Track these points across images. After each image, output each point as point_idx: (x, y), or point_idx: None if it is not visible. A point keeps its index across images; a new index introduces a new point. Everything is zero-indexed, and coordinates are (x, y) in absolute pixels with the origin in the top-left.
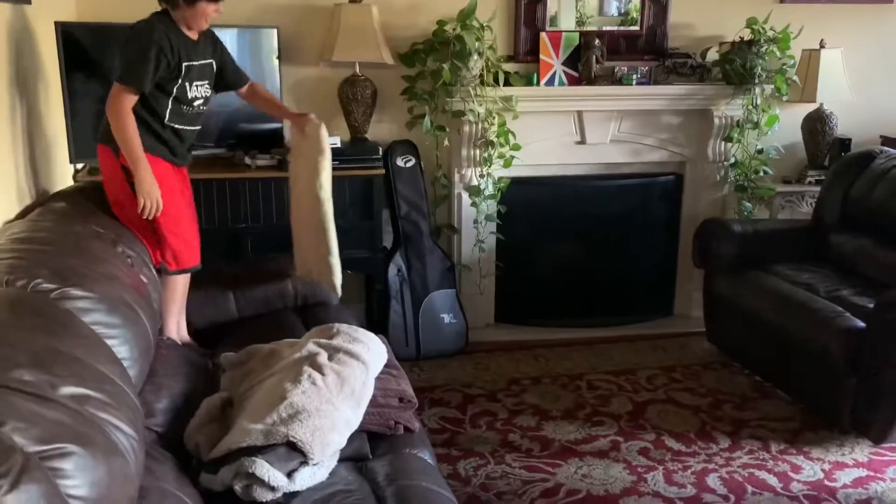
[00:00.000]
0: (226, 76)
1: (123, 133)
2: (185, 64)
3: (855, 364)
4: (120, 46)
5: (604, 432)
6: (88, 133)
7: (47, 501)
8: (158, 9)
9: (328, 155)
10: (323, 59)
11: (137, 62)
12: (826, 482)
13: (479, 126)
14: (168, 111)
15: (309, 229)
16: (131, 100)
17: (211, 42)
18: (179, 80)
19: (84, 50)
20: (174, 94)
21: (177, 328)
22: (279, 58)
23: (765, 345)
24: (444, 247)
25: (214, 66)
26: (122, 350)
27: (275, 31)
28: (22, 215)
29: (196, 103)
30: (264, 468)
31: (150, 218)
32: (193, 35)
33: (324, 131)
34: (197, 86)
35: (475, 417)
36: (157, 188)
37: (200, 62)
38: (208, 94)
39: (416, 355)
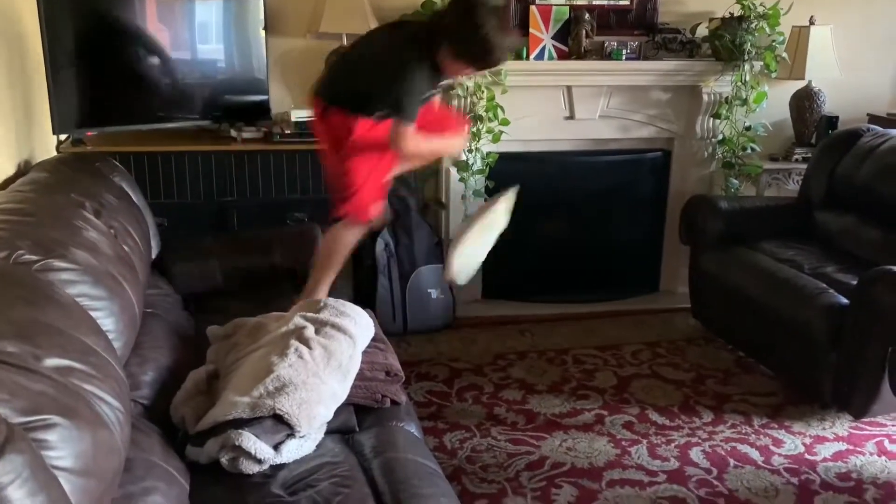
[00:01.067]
0: None
1: (426, 153)
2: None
3: (837, 340)
4: (390, 77)
5: (588, 406)
6: (72, 104)
7: (31, 472)
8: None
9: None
10: (310, 30)
11: (414, 102)
12: (807, 456)
13: (468, 100)
14: None
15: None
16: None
17: None
18: None
19: (66, 18)
20: None
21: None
22: (265, 29)
23: (749, 321)
24: (432, 222)
25: None
26: (106, 322)
27: (261, 0)
28: (3, 186)
29: None
30: (250, 440)
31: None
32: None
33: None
34: None
35: (461, 391)
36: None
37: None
38: None
39: (403, 330)
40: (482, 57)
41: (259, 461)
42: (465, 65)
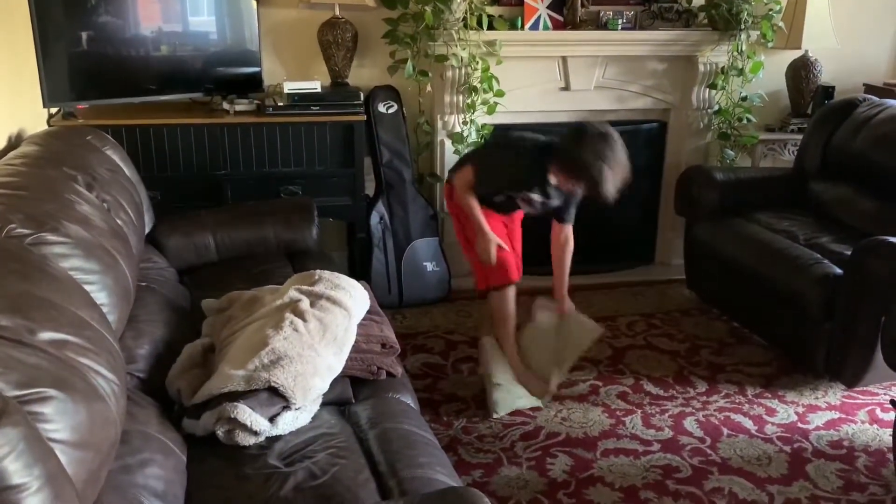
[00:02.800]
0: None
1: (465, 208)
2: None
3: (831, 310)
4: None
5: (583, 377)
6: (62, 76)
7: (27, 444)
8: None
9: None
10: (302, 0)
11: (492, 166)
12: (799, 424)
13: (463, 71)
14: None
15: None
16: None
17: None
18: None
19: None
20: None
21: (513, 352)
22: (257, 0)
23: (743, 291)
24: (427, 194)
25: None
26: (100, 295)
27: None
28: None
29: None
30: (246, 413)
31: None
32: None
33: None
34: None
35: (457, 363)
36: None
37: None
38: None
39: (399, 303)
40: (588, 183)
41: (255, 433)
42: (572, 182)
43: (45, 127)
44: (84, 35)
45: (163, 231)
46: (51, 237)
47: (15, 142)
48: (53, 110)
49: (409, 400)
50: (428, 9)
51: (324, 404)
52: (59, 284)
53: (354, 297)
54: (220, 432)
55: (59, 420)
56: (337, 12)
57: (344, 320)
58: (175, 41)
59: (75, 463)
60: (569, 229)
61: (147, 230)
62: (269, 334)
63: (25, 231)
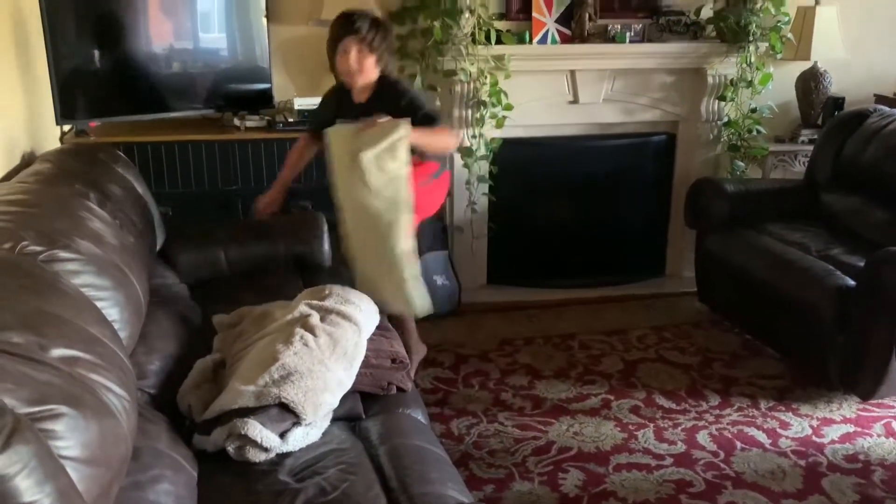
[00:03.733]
0: None
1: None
2: None
3: (844, 322)
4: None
5: (595, 391)
6: (75, 94)
7: (39, 462)
8: None
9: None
10: (312, 17)
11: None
12: (814, 438)
13: (471, 86)
14: None
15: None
16: None
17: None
18: None
19: (68, 8)
20: None
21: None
22: (267, 16)
23: (755, 303)
24: None
25: None
26: (112, 312)
27: None
28: (7, 178)
29: None
30: (256, 429)
31: None
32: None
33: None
34: None
35: (468, 377)
36: None
37: None
38: None
39: None
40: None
41: (265, 449)
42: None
43: (58, 144)
44: (97, 53)
45: (174, 247)
46: (63, 254)
47: (28, 159)
48: (66, 128)
49: (420, 415)
50: (437, 24)
51: (334, 420)
52: (71, 301)
53: (364, 312)
54: (230, 448)
55: (70, 437)
56: None
57: (354, 335)
58: (186, 58)
59: (86, 480)
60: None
61: (159, 246)
62: (279, 349)
63: (38, 248)
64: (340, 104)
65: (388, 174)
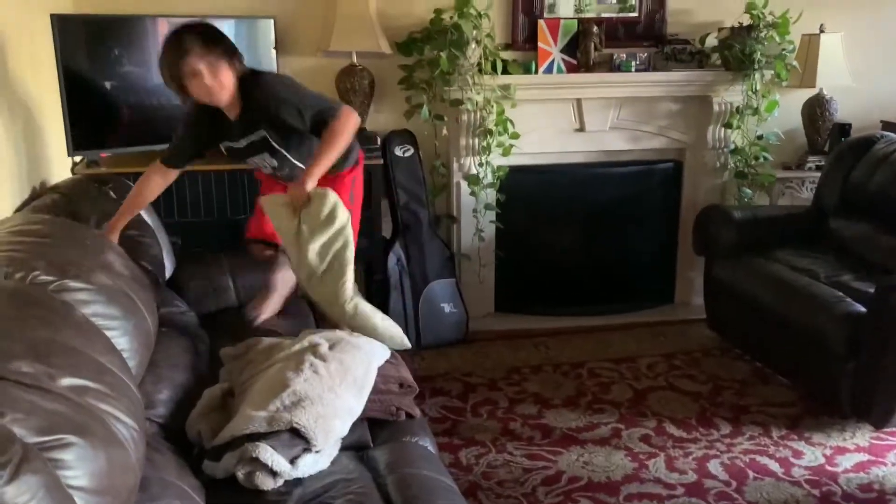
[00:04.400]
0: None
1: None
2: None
3: (855, 349)
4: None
5: (605, 420)
6: (86, 126)
7: (47, 492)
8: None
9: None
10: (320, 48)
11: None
12: (827, 467)
13: (478, 115)
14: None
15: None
16: None
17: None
18: None
19: (80, 41)
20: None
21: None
22: (276, 48)
23: (765, 331)
24: (444, 236)
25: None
26: (121, 341)
27: (271, 21)
28: (19, 208)
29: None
30: (268, 452)
31: None
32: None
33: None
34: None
35: (476, 406)
36: None
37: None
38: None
39: (417, 345)
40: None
41: (275, 474)
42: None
43: (70, 175)
44: (108, 84)
45: (183, 276)
46: (73, 283)
47: (40, 190)
48: (77, 158)
49: (428, 444)
50: (443, 55)
51: (342, 449)
52: (81, 330)
53: (374, 341)
54: (240, 474)
55: (78, 467)
56: (354, 60)
57: (364, 363)
58: None
59: None
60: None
61: (168, 275)
62: (290, 377)
63: (48, 278)
64: (218, 126)
65: (332, 243)
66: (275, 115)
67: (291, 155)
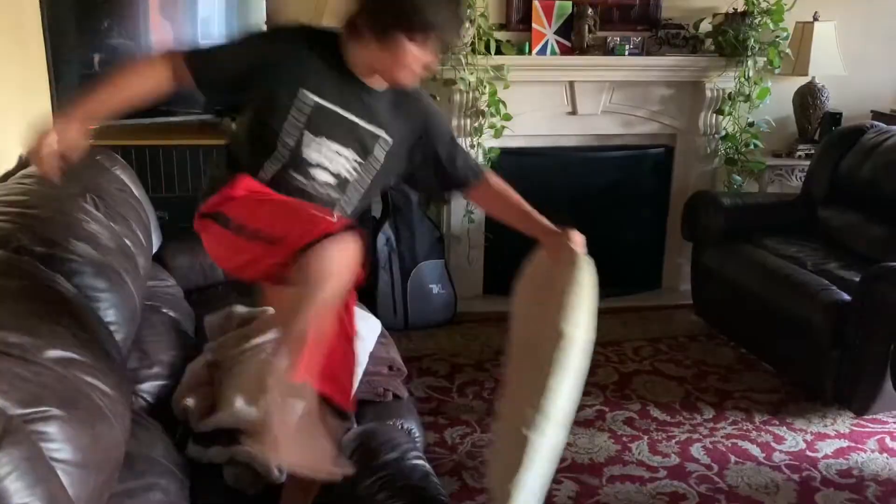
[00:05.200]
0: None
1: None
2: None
3: (839, 337)
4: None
5: (590, 402)
6: (73, 97)
7: (30, 464)
8: None
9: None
10: (312, 22)
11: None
12: (808, 453)
13: (470, 95)
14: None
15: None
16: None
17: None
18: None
19: (68, 13)
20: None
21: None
22: (267, 21)
23: (751, 317)
24: (433, 217)
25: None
26: (107, 314)
27: None
28: (4, 179)
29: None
30: (259, 462)
31: None
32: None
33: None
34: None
35: (462, 387)
36: None
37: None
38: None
39: (405, 325)
40: (404, 15)
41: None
42: (378, 39)
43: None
44: (96, 57)
45: (170, 251)
46: (59, 255)
47: (25, 161)
48: None
49: (414, 425)
50: None
51: None
52: (67, 302)
53: (366, 324)
54: (227, 475)
55: (62, 439)
56: None
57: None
58: None
59: (77, 483)
60: (494, 178)
61: (154, 250)
62: None
63: (35, 249)
64: (335, 74)
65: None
66: (421, 125)
67: (367, 184)
